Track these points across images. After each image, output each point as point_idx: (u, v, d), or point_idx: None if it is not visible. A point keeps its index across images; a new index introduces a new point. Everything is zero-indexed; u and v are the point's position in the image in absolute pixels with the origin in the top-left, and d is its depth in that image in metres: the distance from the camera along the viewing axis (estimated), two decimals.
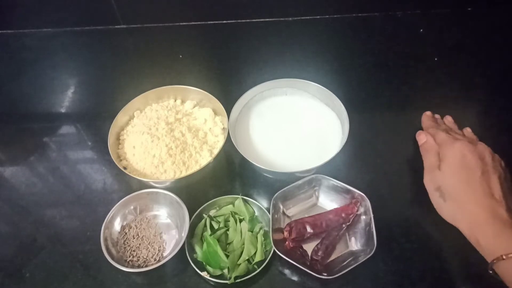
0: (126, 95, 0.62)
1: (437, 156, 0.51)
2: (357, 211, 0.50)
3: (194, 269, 0.47)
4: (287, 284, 0.48)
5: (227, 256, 0.48)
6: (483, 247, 0.43)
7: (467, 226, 0.45)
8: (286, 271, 0.49)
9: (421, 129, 0.59)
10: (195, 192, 0.55)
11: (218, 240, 0.49)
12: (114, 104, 0.62)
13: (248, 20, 0.81)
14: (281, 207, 0.52)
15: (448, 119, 0.60)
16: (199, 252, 0.49)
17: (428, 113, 0.60)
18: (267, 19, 0.80)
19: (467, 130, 0.57)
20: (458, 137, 0.53)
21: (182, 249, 0.48)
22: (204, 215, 0.52)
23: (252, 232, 0.50)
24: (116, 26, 0.81)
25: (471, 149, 0.49)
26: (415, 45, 0.75)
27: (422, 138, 0.56)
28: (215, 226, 0.51)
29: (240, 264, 0.48)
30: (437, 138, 0.53)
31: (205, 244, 0.49)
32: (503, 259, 0.41)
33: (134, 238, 0.52)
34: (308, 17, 0.80)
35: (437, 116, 0.61)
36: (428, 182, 0.51)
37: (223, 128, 0.58)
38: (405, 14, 0.79)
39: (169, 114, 0.59)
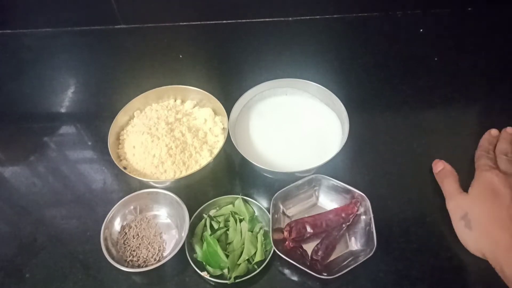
0: (126, 95, 0.62)
1: (457, 182, 0.51)
2: (357, 211, 0.50)
3: (194, 269, 0.47)
4: (287, 284, 0.48)
5: (227, 256, 0.48)
6: (508, 275, 0.42)
7: (492, 252, 0.44)
8: (286, 271, 0.49)
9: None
10: (195, 192, 0.55)
11: (218, 240, 0.49)
12: (114, 104, 0.62)
13: (248, 20, 0.81)
14: (281, 207, 0.52)
15: (508, 131, 0.56)
16: (199, 252, 0.49)
17: (493, 132, 0.57)
18: (267, 19, 0.80)
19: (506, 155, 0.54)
20: (499, 163, 0.52)
21: (182, 249, 0.48)
22: (204, 215, 0.52)
23: (252, 232, 0.50)
24: (116, 26, 0.81)
25: (501, 179, 0.48)
26: (415, 45, 0.75)
27: (439, 166, 0.54)
28: (215, 226, 0.51)
29: (240, 264, 0.48)
30: (477, 161, 0.53)
31: (205, 244, 0.49)
32: None
33: (134, 238, 0.52)
34: (308, 17, 0.80)
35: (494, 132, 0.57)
36: (453, 208, 0.49)
37: (223, 128, 0.58)
38: (405, 14, 0.79)
39: (169, 114, 0.59)
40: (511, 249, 0.43)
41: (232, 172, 0.59)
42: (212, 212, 0.53)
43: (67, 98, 0.71)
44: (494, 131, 0.57)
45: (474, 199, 0.48)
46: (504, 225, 0.44)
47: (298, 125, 0.59)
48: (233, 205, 0.53)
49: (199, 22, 0.81)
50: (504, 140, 0.55)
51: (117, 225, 0.52)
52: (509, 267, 0.42)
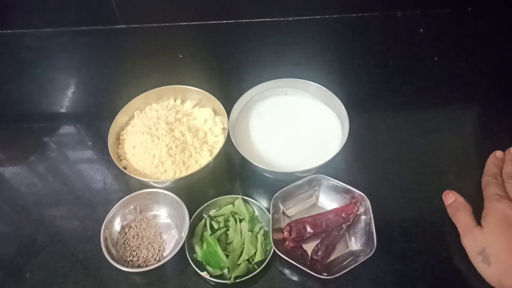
0: (126, 95, 0.62)
1: (471, 215, 0.48)
2: (357, 211, 0.50)
3: (194, 269, 0.47)
4: (287, 284, 0.48)
5: (227, 256, 0.48)
6: None
7: None
8: (286, 271, 0.49)
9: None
10: (195, 192, 0.55)
11: (218, 240, 0.49)
12: (114, 104, 0.62)
13: (248, 20, 0.81)
14: (281, 207, 0.52)
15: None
16: (199, 252, 0.49)
17: (498, 154, 0.54)
18: (267, 19, 0.80)
19: None
20: (510, 191, 0.49)
21: (182, 249, 0.48)
22: (204, 215, 0.52)
23: (252, 232, 0.50)
24: (116, 26, 0.81)
25: None
26: (415, 45, 0.75)
27: (450, 197, 0.52)
28: (215, 226, 0.51)
29: (240, 264, 0.48)
30: (485, 189, 0.51)
31: (205, 244, 0.49)
32: None
33: (134, 238, 0.52)
34: (308, 17, 0.80)
35: (499, 155, 0.55)
36: (469, 244, 0.47)
37: (223, 128, 0.58)
38: (405, 14, 0.79)
39: (169, 114, 0.59)
40: None
41: (232, 172, 0.59)
42: (212, 212, 0.53)
43: (67, 98, 0.71)
44: (499, 153, 0.54)
45: (490, 233, 0.45)
46: None
47: (298, 125, 0.59)
48: (233, 205, 0.53)
49: (199, 22, 0.81)
50: (510, 162, 0.53)
51: (117, 225, 0.52)
52: None
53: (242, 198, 0.52)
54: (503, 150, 0.55)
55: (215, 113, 0.60)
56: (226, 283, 0.46)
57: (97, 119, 0.66)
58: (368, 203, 0.49)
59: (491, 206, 0.48)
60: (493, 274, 0.44)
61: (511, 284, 0.42)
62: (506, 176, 0.52)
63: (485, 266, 0.44)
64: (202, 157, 0.55)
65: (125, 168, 0.54)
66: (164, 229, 0.53)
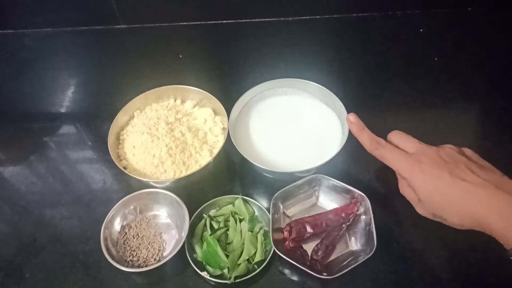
0: (126, 95, 0.62)
1: (408, 187, 0.47)
2: (357, 211, 0.50)
3: (194, 269, 0.47)
4: (287, 284, 0.48)
5: (227, 256, 0.48)
6: (498, 233, 0.39)
7: (475, 223, 0.41)
8: (286, 271, 0.49)
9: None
10: (195, 192, 0.55)
11: (218, 240, 0.49)
12: (114, 104, 0.62)
13: (248, 20, 0.81)
14: (281, 207, 0.52)
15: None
16: (199, 252, 0.49)
17: (352, 117, 0.51)
18: (267, 19, 0.80)
19: (403, 138, 0.49)
20: (407, 149, 0.48)
21: (182, 249, 0.48)
22: (204, 215, 0.52)
23: (252, 232, 0.50)
24: (116, 26, 0.81)
25: (428, 166, 0.44)
26: (415, 45, 0.75)
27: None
28: (215, 226, 0.51)
29: (240, 264, 0.48)
30: (374, 149, 0.49)
31: (205, 244, 0.49)
32: None
33: (134, 238, 0.52)
34: (308, 17, 0.80)
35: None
36: (424, 214, 0.46)
37: (223, 128, 0.58)
38: (405, 14, 0.80)
39: (169, 114, 0.59)
40: (490, 212, 0.39)
41: (232, 172, 0.59)
42: (212, 212, 0.53)
43: (67, 98, 0.71)
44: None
45: (426, 199, 0.44)
46: (466, 197, 0.41)
47: (298, 125, 0.59)
48: (233, 205, 0.53)
49: (199, 22, 0.81)
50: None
51: (117, 225, 0.52)
52: (496, 226, 0.39)
53: (242, 198, 0.52)
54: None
55: (215, 113, 0.60)
56: (226, 283, 0.46)
57: (97, 119, 0.66)
58: (368, 203, 0.49)
59: (413, 177, 0.45)
60: (454, 222, 0.43)
61: (468, 221, 0.41)
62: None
63: (446, 222, 0.44)
64: (202, 157, 0.55)
65: (125, 168, 0.54)
66: (164, 229, 0.53)
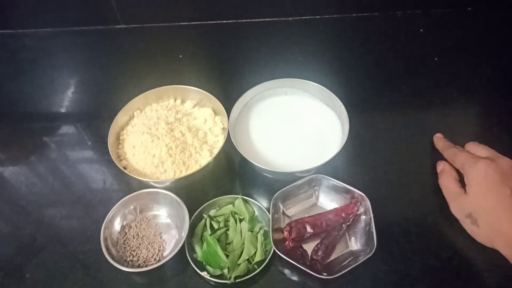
0: (126, 95, 0.62)
1: (455, 181, 0.50)
2: (357, 211, 0.50)
3: (194, 269, 0.47)
4: (287, 284, 0.48)
5: (227, 256, 0.48)
6: None
7: (506, 247, 0.43)
8: (286, 271, 0.49)
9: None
10: (195, 192, 0.55)
11: (218, 240, 0.49)
12: (114, 104, 0.62)
13: (248, 20, 0.81)
14: (281, 207, 0.52)
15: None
16: (199, 252, 0.49)
17: (439, 135, 0.58)
18: (267, 19, 0.80)
19: (480, 146, 0.52)
20: (480, 154, 0.51)
21: (182, 249, 0.48)
22: (204, 215, 0.52)
23: (252, 232, 0.50)
24: (116, 26, 0.81)
25: (493, 168, 0.46)
26: (415, 45, 0.75)
27: (440, 166, 0.54)
28: (215, 226, 0.51)
29: (240, 264, 0.48)
30: (456, 161, 0.51)
31: (205, 244, 0.49)
32: None
33: (134, 238, 0.52)
34: (308, 17, 0.80)
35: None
36: (456, 210, 0.49)
37: (223, 128, 0.58)
38: (405, 14, 0.79)
39: (169, 114, 0.59)
40: None
41: (232, 172, 0.59)
42: (212, 212, 0.53)
43: (67, 98, 0.71)
44: (439, 134, 0.58)
45: (474, 196, 0.47)
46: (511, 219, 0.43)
47: (298, 125, 0.59)
48: (233, 205, 0.53)
49: (199, 22, 0.81)
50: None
51: (117, 225, 0.52)
52: None
53: (242, 198, 0.52)
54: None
55: (215, 113, 0.60)
56: (226, 283, 0.46)
57: (97, 119, 0.66)
58: (368, 203, 0.49)
59: (473, 169, 0.48)
60: (483, 235, 0.46)
61: (499, 241, 0.44)
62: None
63: (474, 228, 0.46)
64: (202, 157, 0.55)
65: (125, 168, 0.54)
66: (164, 229, 0.53)
